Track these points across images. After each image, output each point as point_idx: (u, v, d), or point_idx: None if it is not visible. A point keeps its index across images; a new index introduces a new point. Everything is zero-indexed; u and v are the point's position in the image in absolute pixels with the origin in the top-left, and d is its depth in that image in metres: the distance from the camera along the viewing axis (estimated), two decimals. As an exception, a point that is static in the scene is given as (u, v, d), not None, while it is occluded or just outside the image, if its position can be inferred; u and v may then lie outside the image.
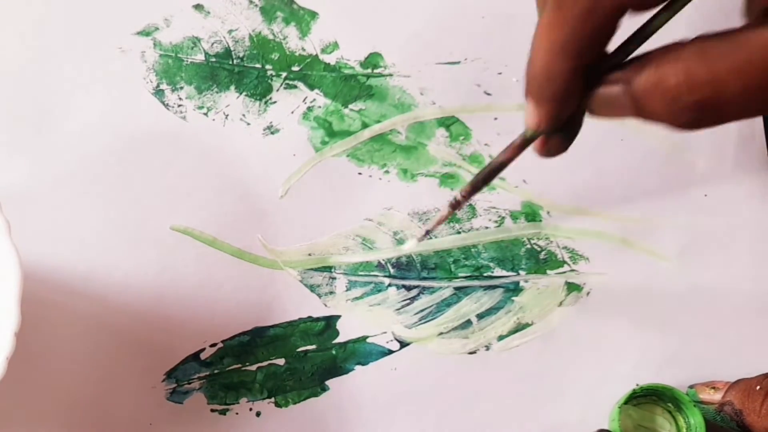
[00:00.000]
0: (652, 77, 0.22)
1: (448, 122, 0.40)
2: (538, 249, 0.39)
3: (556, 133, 0.26)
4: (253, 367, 0.37)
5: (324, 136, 0.39)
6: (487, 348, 0.38)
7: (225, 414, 0.37)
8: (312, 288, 0.38)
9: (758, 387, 0.33)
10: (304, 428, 0.37)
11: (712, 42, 0.21)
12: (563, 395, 0.38)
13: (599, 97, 0.24)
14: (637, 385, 0.36)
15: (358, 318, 0.38)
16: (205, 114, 0.39)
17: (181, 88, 0.39)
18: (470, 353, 0.38)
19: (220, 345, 0.37)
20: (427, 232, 0.34)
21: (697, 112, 0.21)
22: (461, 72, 0.40)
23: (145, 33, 0.39)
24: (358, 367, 0.38)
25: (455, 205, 0.32)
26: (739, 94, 0.20)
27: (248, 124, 0.39)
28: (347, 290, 0.38)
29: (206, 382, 0.37)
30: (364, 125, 0.39)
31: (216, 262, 0.38)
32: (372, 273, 0.38)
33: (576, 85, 0.23)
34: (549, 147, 0.27)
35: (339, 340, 0.38)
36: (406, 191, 0.39)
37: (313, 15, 0.40)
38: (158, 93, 0.39)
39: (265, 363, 0.38)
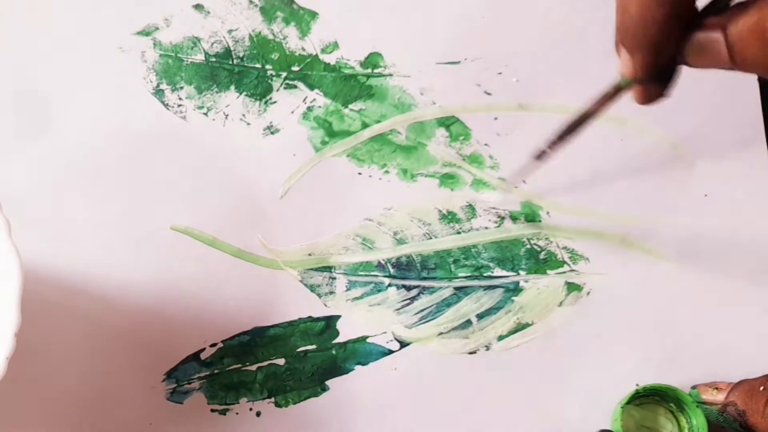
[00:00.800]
0: (750, 20, 0.21)
1: (448, 122, 0.40)
2: (538, 249, 0.39)
3: (652, 82, 0.26)
4: (253, 367, 0.37)
5: (324, 136, 0.39)
6: (487, 348, 0.38)
7: (225, 414, 0.37)
8: (312, 288, 0.38)
9: (762, 388, 0.33)
10: (304, 428, 0.37)
11: None
12: (563, 395, 0.38)
13: (695, 44, 0.23)
14: (638, 385, 0.36)
15: (358, 318, 0.38)
16: (205, 114, 0.39)
17: (181, 88, 0.39)
18: (470, 353, 0.38)
19: (220, 345, 0.37)
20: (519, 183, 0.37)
21: None
22: (461, 72, 0.40)
23: (145, 33, 0.39)
24: (358, 367, 0.38)
25: (540, 156, 0.34)
26: None
27: (248, 124, 0.39)
28: (347, 290, 0.38)
29: (206, 382, 0.37)
30: (364, 125, 0.39)
31: (216, 261, 0.38)
32: (372, 273, 0.38)
33: (672, 31, 0.23)
34: (648, 95, 0.27)
35: (339, 340, 0.38)
36: (406, 191, 0.39)
37: (313, 15, 0.40)
38: (158, 93, 0.39)
39: (265, 363, 0.38)
